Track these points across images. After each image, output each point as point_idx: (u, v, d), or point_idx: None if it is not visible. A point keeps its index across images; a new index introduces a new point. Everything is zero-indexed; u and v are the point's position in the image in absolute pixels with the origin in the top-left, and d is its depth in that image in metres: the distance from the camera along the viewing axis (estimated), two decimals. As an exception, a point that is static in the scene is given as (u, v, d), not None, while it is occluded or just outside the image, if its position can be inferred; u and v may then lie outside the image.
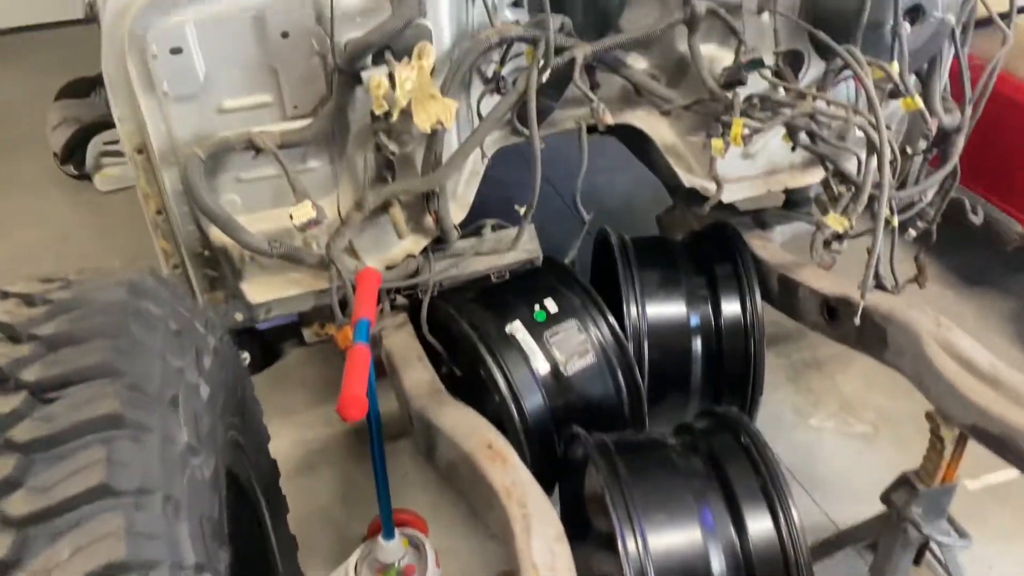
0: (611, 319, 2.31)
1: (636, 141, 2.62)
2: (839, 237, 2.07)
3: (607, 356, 2.29)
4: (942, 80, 2.29)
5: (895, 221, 2.34)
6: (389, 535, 2.18)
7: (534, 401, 2.21)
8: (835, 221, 2.02)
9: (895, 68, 2.02)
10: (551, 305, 2.34)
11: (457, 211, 2.28)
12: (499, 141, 2.31)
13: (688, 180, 2.44)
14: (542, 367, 2.25)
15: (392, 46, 1.88)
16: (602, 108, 2.05)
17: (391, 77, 1.84)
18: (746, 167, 2.46)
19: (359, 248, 2.18)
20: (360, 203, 2.05)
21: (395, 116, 1.88)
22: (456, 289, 2.40)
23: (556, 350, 2.27)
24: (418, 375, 2.12)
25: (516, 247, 2.36)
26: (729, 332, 2.45)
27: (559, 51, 2.04)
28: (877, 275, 2.53)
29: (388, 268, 2.24)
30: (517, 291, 2.39)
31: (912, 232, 2.60)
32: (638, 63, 2.36)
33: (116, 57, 1.81)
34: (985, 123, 3.15)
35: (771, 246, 2.65)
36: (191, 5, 1.79)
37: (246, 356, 2.73)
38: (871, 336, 2.16)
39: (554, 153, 2.33)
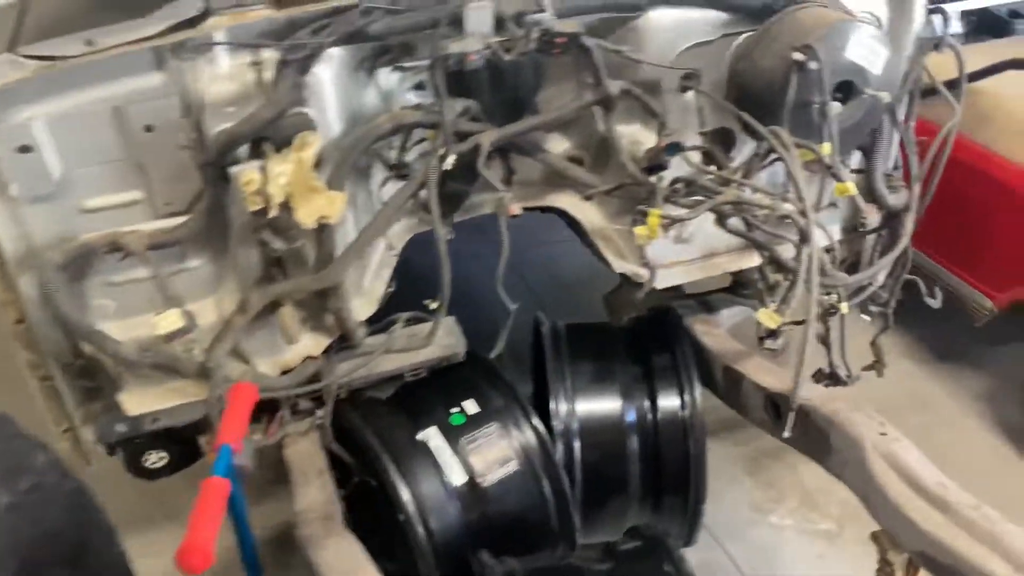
0: (536, 422, 2.12)
1: (571, 220, 2.46)
2: (773, 332, 1.89)
3: (531, 463, 2.09)
4: (886, 159, 2.12)
5: (845, 308, 2.16)
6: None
7: (445, 518, 2.00)
8: (767, 317, 1.84)
9: (826, 149, 1.85)
10: (471, 407, 2.14)
11: (364, 306, 2.10)
12: (411, 229, 2.13)
13: (618, 266, 2.26)
14: (457, 478, 2.04)
15: (270, 137, 1.72)
16: (508, 198, 1.88)
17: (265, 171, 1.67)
18: (680, 251, 2.28)
19: (249, 351, 1.99)
20: (244, 305, 1.86)
21: (273, 212, 1.71)
22: (368, 389, 2.21)
23: (473, 458, 2.07)
24: (312, 495, 1.91)
25: (431, 343, 2.16)
26: (666, 431, 2.24)
27: (464, 136, 1.88)
28: (830, 364, 2.35)
29: (284, 372, 2.04)
30: (435, 391, 2.19)
31: (866, 317, 2.41)
32: (560, 145, 2.19)
33: (-44, 157, 1.64)
34: (950, 194, 2.98)
35: (717, 332, 2.46)
36: (40, 99, 1.64)
37: (162, 456, 2.51)
38: (814, 441, 1.97)
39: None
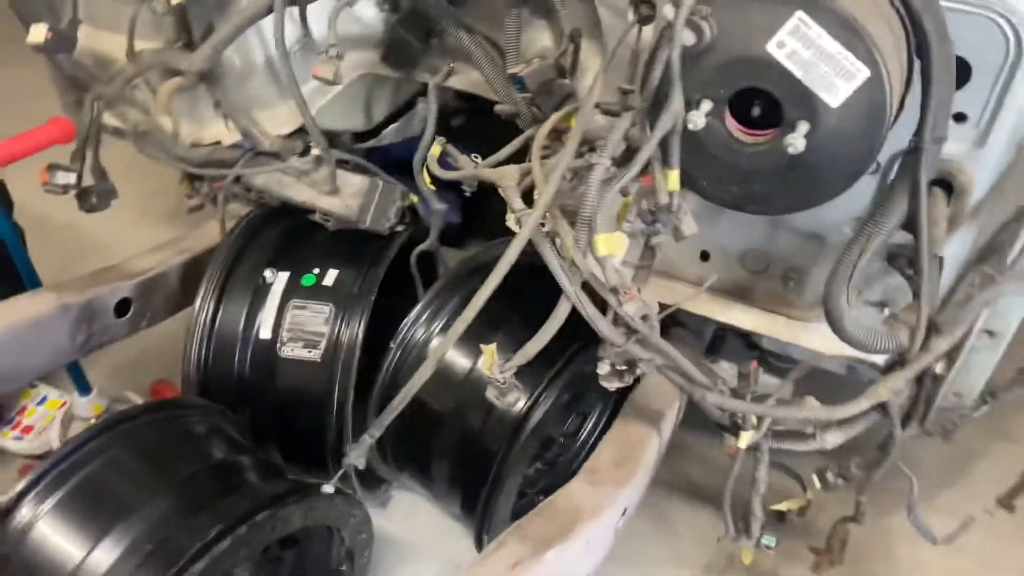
0: (360, 330, 1.88)
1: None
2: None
3: (332, 365, 1.89)
4: (850, 267, 1.28)
5: (743, 440, 1.48)
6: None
7: (226, 357, 1.94)
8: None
9: (673, 182, 1.21)
10: (330, 277, 1.98)
11: (274, 121, 1.98)
12: (361, 66, 1.94)
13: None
14: (264, 332, 1.94)
15: None
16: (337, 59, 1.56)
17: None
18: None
19: (177, 111, 1.98)
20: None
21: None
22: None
23: (287, 323, 1.93)
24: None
25: (337, 195, 1.98)
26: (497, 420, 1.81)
27: None
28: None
29: (194, 145, 2.04)
30: (323, 244, 2.05)
31: (817, 483, 1.60)
32: (542, 37, 1.73)
33: None
34: None
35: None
36: None
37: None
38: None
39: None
